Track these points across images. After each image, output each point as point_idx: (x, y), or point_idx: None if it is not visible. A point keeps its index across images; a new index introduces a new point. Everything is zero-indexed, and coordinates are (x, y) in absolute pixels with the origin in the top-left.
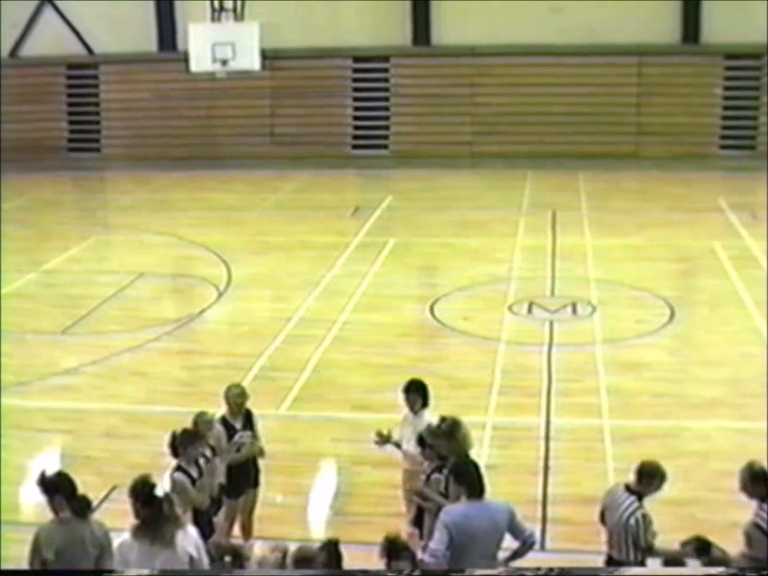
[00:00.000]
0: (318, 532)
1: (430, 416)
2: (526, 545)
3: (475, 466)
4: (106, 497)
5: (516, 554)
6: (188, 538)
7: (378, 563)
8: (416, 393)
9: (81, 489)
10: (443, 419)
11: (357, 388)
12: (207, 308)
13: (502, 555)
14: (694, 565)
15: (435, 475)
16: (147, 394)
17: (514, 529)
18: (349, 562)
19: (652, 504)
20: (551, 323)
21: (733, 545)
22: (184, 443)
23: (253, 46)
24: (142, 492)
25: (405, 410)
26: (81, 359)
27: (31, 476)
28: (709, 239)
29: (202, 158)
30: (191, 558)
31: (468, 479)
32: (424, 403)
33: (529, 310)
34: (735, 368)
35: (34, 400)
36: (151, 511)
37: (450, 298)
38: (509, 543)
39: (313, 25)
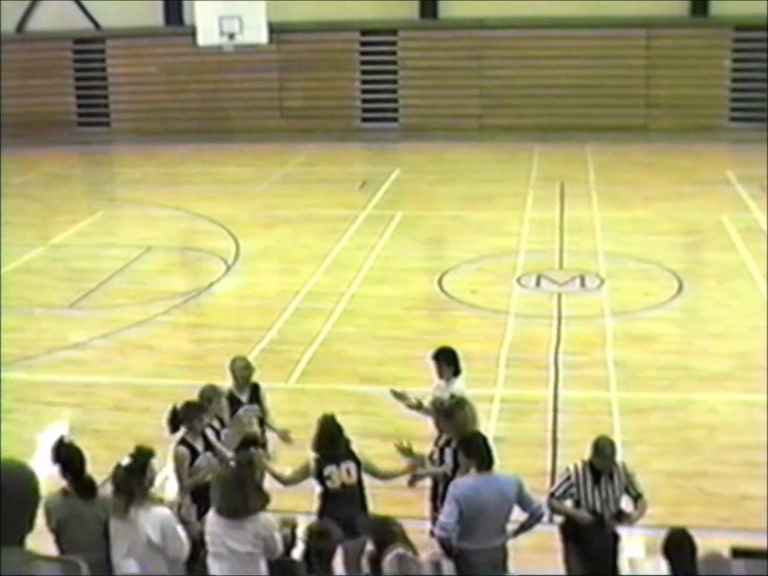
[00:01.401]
0: None
1: (462, 385)
2: (534, 517)
3: (484, 439)
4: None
5: (524, 526)
6: (151, 519)
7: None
8: (445, 361)
9: (90, 462)
10: (452, 397)
11: (365, 361)
12: (215, 282)
13: (510, 527)
14: None
15: (448, 449)
16: (155, 368)
17: (523, 501)
18: None
19: (660, 476)
20: (559, 296)
21: (742, 517)
22: (187, 416)
23: (260, 20)
24: (129, 459)
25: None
26: (89, 333)
27: (39, 450)
28: (718, 212)
29: (210, 132)
30: (149, 540)
31: (477, 452)
32: (456, 372)
33: (538, 283)
34: (742, 341)
35: (43, 374)
36: (117, 481)
37: (458, 271)
38: (517, 515)
39: None
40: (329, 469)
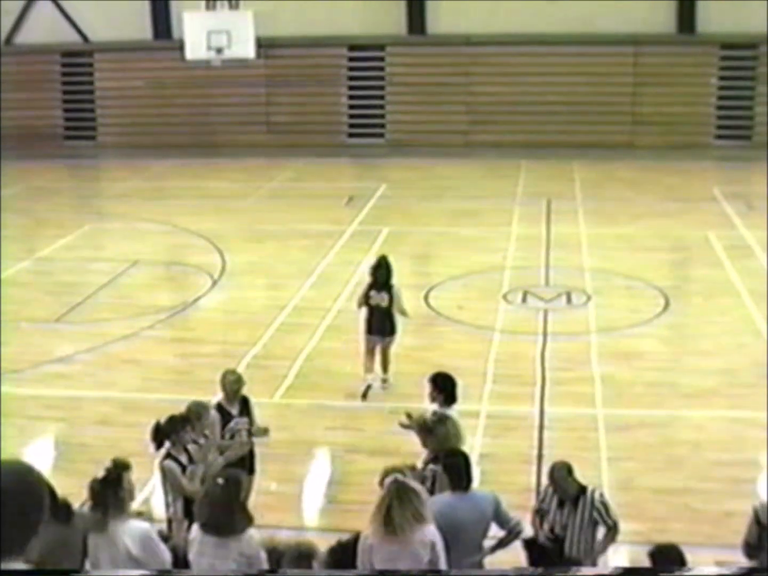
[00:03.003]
0: (312, 520)
1: (454, 413)
2: (512, 534)
3: (465, 458)
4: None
5: (502, 543)
6: (130, 532)
7: None
8: (436, 389)
9: (75, 477)
10: (434, 414)
11: (351, 377)
12: (201, 296)
13: (488, 543)
14: None
15: (431, 466)
16: (141, 382)
17: (500, 518)
18: None
19: (645, 493)
20: (545, 312)
21: (727, 534)
22: (173, 429)
23: (248, 35)
24: (104, 472)
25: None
26: (75, 347)
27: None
28: (704, 229)
29: (197, 146)
30: (129, 553)
31: (454, 471)
32: (448, 399)
33: (524, 299)
34: (729, 358)
35: (29, 388)
36: (92, 494)
37: (444, 287)
38: (495, 531)
39: (309, 13)
40: (372, 293)
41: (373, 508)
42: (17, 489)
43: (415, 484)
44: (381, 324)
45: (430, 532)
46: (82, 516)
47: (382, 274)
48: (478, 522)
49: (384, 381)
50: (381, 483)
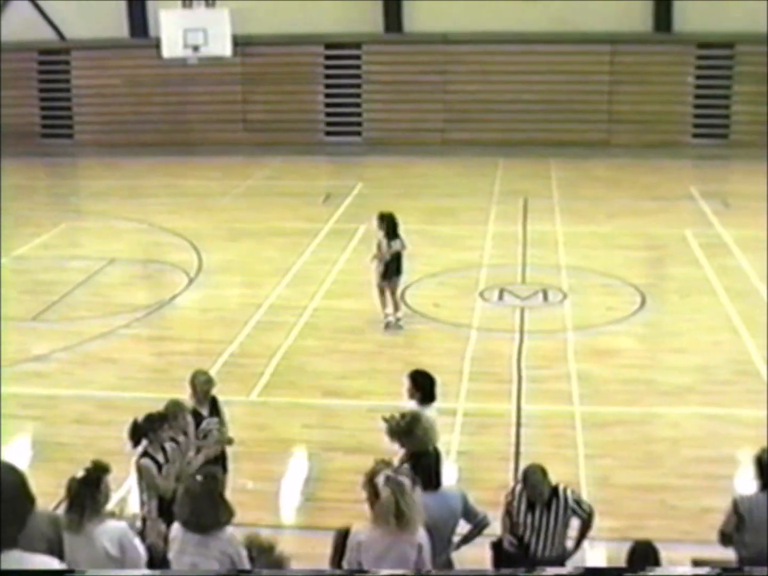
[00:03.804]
0: (288, 518)
1: (433, 411)
2: (477, 528)
3: (436, 458)
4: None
5: (467, 538)
6: (107, 533)
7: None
8: (414, 387)
9: (51, 476)
10: (403, 415)
11: (327, 375)
12: (178, 294)
13: (455, 539)
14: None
15: (405, 465)
16: (118, 381)
17: (468, 514)
18: (320, 550)
19: (622, 490)
20: (522, 310)
21: (704, 530)
22: (150, 427)
23: (225, 32)
24: (83, 472)
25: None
26: (52, 345)
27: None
28: (681, 227)
29: (174, 144)
30: (107, 553)
31: (425, 471)
32: (426, 398)
33: (500, 297)
34: (705, 355)
35: (5, 387)
36: (70, 493)
37: (421, 285)
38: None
39: (285, 11)
40: (386, 240)
41: (372, 504)
42: (10, 485)
43: (409, 482)
44: (388, 269)
45: (420, 533)
46: (53, 517)
47: (390, 226)
48: (448, 519)
49: (397, 320)
50: (370, 480)
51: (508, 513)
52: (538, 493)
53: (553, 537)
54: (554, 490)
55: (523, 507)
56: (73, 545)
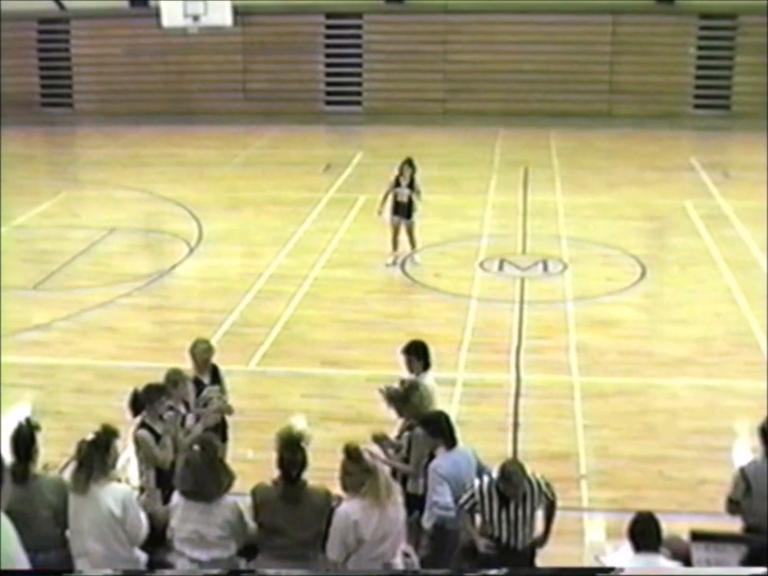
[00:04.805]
0: None
1: (432, 379)
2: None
3: (446, 418)
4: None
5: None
6: (112, 494)
7: None
8: (415, 355)
9: (52, 444)
10: (402, 382)
11: (327, 344)
12: (178, 264)
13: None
14: None
15: (406, 433)
16: (118, 350)
17: (481, 470)
18: None
19: (621, 461)
20: (522, 280)
21: (702, 501)
22: (149, 398)
23: (225, 2)
24: (94, 435)
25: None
26: (52, 315)
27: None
28: (681, 198)
29: (174, 114)
30: (111, 513)
31: (442, 431)
32: (426, 366)
33: (500, 267)
34: (704, 327)
35: (5, 356)
36: (79, 454)
37: (421, 255)
38: None
39: None
40: (396, 190)
41: (356, 478)
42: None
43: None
44: (404, 208)
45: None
46: (59, 482)
47: (409, 169)
48: (470, 472)
49: (413, 258)
50: (358, 456)
51: (479, 513)
52: (520, 492)
53: (530, 526)
54: (529, 482)
55: (495, 504)
56: (77, 506)
